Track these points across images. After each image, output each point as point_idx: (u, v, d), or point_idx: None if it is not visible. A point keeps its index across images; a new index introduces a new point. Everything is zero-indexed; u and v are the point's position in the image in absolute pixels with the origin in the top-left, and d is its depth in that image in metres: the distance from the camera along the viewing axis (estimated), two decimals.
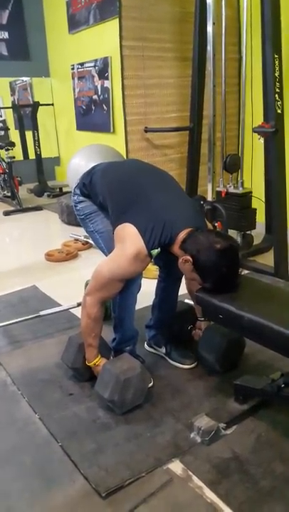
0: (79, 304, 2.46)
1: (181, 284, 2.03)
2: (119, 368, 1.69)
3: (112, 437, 1.60)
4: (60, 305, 2.61)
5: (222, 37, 3.07)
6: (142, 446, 1.55)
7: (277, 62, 2.69)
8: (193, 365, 1.99)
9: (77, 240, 3.89)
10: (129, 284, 1.76)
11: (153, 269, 2.90)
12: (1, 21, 6.41)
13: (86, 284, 2.48)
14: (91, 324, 1.75)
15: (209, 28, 2.83)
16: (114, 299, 1.89)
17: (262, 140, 2.80)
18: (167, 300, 2.05)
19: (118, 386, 1.64)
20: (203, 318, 2.01)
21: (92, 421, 1.69)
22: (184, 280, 1.99)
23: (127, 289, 1.78)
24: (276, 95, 2.71)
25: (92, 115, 6.01)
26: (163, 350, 2.06)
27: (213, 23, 2.90)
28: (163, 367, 2.01)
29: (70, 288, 2.89)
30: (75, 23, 5.92)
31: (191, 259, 1.57)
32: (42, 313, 2.39)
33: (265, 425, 1.61)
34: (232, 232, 3.31)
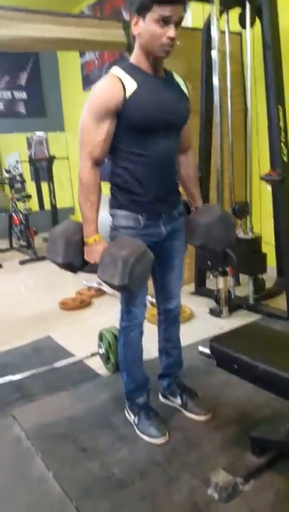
0: (92, 354, 2.46)
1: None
2: (125, 250, 1.53)
3: (127, 495, 1.55)
4: (73, 355, 2.60)
5: (228, 90, 3.21)
6: (158, 505, 1.50)
7: (281, 114, 2.79)
8: (209, 417, 1.93)
9: (90, 287, 3.92)
10: (131, 321, 1.79)
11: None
12: (20, 82, 6.84)
13: (100, 334, 2.49)
14: (84, 191, 1.62)
15: (215, 82, 2.97)
16: (119, 339, 1.88)
17: (269, 187, 2.86)
18: (170, 340, 2.01)
19: (126, 269, 1.49)
20: (194, 208, 1.92)
21: (106, 478, 1.65)
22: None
23: (129, 328, 1.81)
24: (282, 144, 2.79)
25: (104, 167, 6.20)
26: (178, 401, 2.01)
27: (219, 79, 3.04)
28: (177, 418, 1.96)
29: (84, 337, 2.89)
30: (88, 82, 6.27)
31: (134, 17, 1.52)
32: (56, 365, 2.39)
33: (283, 479, 1.55)
34: (243, 277, 3.31)
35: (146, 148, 1.63)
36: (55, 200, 6.23)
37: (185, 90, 1.74)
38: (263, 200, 3.16)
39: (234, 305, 3.16)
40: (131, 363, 1.89)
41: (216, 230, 1.80)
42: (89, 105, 1.59)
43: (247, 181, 3.20)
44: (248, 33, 2.98)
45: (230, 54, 3.21)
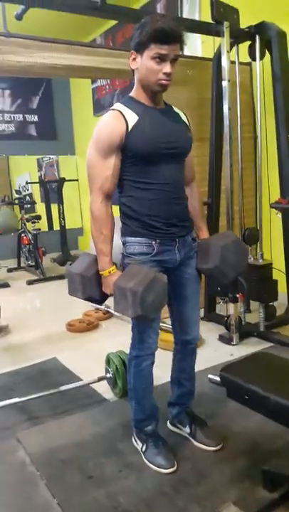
0: (100, 379, 2.44)
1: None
2: (132, 281, 1.54)
3: None
4: (80, 378, 2.58)
5: (237, 118, 3.27)
6: None
7: None
8: (219, 447, 1.89)
9: (98, 309, 3.91)
10: (144, 350, 1.77)
11: (171, 341, 2.88)
12: (32, 106, 6.99)
13: (107, 358, 2.48)
14: (97, 224, 1.65)
15: (225, 111, 3.03)
16: (129, 369, 1.85)
17: (279, 215, 2.88)
18: (185, 371, 1.98)
19: (136, 300, 1.50)
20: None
21: (113, 508, 1.61)
22: None
23: (141, 358, 1.78)
24: None
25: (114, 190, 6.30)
26: (187, 430, 1.97)
27: (229, 108, 3.10)
28: (186, 447, 1.92)
29: (91, 360, 2.87)
30: (99, 107, 6.41)
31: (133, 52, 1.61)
32: (62, 388, 2.37)
33: None
34: (254, 304, 3.30)
35: (152, 177, 1.67)
36: (64, 221, 6.29)
37: (185, 119, 1.79)
38: (273, 227, 3.18)
39: (244, 332, 3.14)
40: (141, 393, 1.86)
41: (230, 254, 1.78)
42: (94, 141, 1.65)
43: (257, 208, 3.23)
44: (257, 65, 3.05)
45: (240, 84, 3.28)
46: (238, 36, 2.98)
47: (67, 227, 6.36)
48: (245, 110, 3.62)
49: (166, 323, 3.21)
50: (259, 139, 3.18)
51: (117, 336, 3.35)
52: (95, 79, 6.33)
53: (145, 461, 1.83)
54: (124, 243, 1.76)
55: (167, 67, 1.57)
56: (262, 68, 3.04)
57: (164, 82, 1.60)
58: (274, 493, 1.57)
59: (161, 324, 3.35)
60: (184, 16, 4.42)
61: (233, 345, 3.02)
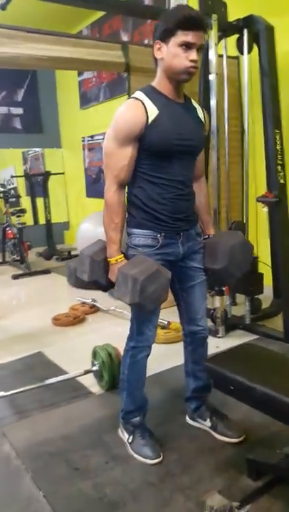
0: (86, 372, 2.43)
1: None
2: (135, 269, 1.57)
3: None
4: (66, 372, 2.57)
5: (225, 112, 3.27)
6: None
7: (278, 137, 2.85)
8: (241, 439, 1.88)
9: (84, 303, 3.90)
10: (141, 342, 1.77)
11: (161, 334, 2.89)
12: (17, 99, 6.90)
13: (93, 351, 2.47)
14: (109, 212, 1.66)
15: (213, 105, 3.02)
16: (124, 359, 1.86)
17: (266, 208, 2.89)
18: (199, 362, 1.93)
19: (136, 287, 1.52)
20: (207, 236, 1.93)
21: (98, 499, 1.61)
22: None
23: (138, 349, 1.79)
24: (278, 167, 2.84)
25: (100, 183, 6.27)
26: (208, 423, 1.96)
27: (216, 102, 3.11)
28: (172, 439, 1.94)
29: (77, 354, 2.86)
30: (86, 100, 6.36)
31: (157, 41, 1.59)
32: (47, 381, 2.35)
33: (280, 504, 1.52)
34: (240, 297, 3.32)
35: (164, 172, 1.67)
36: (50, 215, 6.24)
37: (201, 116, 1.78)
38: (259, 221, 3.20)
39: (230, 324, 3.16)
40: (134, 384, 1.86)
41: (238, 255, 1.80)
42: (112, 129, 1.63)
43: (243, 202, 3.24)
44: (245, 59, 3.05)
45: (228, 77, 3.28)
46: (225, 29, 2.98)
47: (53, 221, 6.32)
48: (233, 104, 3.62)
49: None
50: (246, 133, 3.19)
51: (104, 330, 3.35)
52: (82, 71, 6.28)
53: (131, 453, 1.84)
54: (129, 234, 1.76)
55: (194, 54, 1.56)
56: (250, 62, 3.04)
57: (191, 69, 1.59)
58: (258, 482, 1.59)
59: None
60: None
61: (219, 337, 3.04)
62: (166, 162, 1.66)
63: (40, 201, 6.34)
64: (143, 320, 1.77)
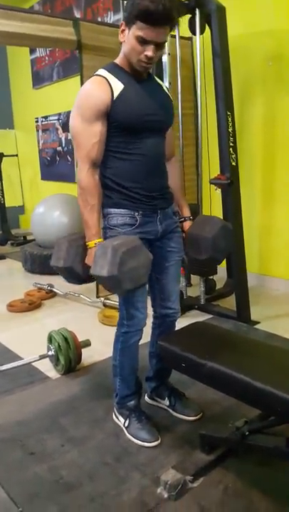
0: (41, 357, 2.41)
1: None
2: (116, 241, 1.50)
3: (75, 498, 1.53)
4: (21, 358, 2.53)
5: (178, 94, 3.26)
6: (107, 506, 1.49)
7: (230, 119, 2.87)
8: (198, 417, 1.92)
9: (40, 288, 3.84)
10: (133, 326, 1.76)
11: (116, 317, 2.89)
12: None
13: (49, 336, 2.45)
14: (83, 194, 1.60)
15: (166, 85, 3.00)
16: (115, 345, 1.84)
17: (219, 191, 2.93)
18: None
19: (116, 259, 1.42)
20: (183, 218, 1.90)
21: (54, 481, 1.62)
22: None
23: (130, 334, 1.78)
24: (230, 149, 2.87)
25: (56, 166, 6.14)
26: (166, 402, 1.99)
27: (170, 83, 3.09)
28: None
29: (33, 339, 2.83)
30: (39, 79, 6.15)
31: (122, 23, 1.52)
32: (2, 368, 2.32)
33: (232, 475, 1.59)
34: (195, 278, 3.37)
35: (133, 149, 1.63)
36: (3, 198, 6.06)
37: (167, 92, 1.76)
38: (213, 203, 3.24)
39: (186, 305, 3.21)
40: (127, 369, 1.85)
41: (220, 241, 1.78)
42: (77, 108, 1.59)
43: (198, 184, 3.26)
44: (198, 39, 3.04)
45: (181, 59, 3.27)
46: (178, 9, 2.94)
47: (7, 206, 6.13)
48: (187, 86, 3.62)
49: (112, 299, 3.23)
50: (199, 116, 3.20)
51: (60, 315, 3.32)
52: (34, 49, 6.06)
53: (128, 436, 1.83)
54: (105, 215, 1.71)
55: (149, 51, 1.50)
56: (202, 43, 3.03)
57: (143, 64, 1.54)
58: (210, 455, 1.63)
59: (106, 301, 3.37)
60: None
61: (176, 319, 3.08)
62: (135, 139, 1.62)
63: None
64: (132, 304, 1.74)
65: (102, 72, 1.60)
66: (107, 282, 1.49)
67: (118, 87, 1.57)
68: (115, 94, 1.56)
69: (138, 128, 1.62)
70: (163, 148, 1.75)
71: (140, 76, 1.63)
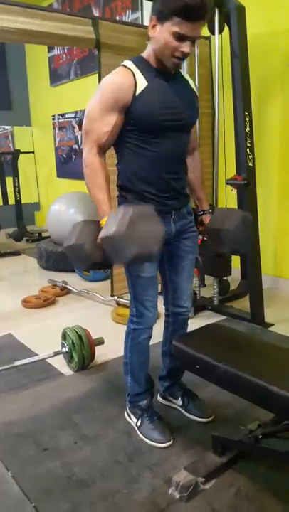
0: (55, 353, 2.43)
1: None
2: (126, 207, 1.42)
3: (87, 495, 1.55)
4: (36, 354, 2.56)
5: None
6: (119, 505, 1.50)
7: (247, 119, 2.85)
8: (211, 419, 1.92)
9: (55, 285, 3.87)
10: (142, 324, 1.76)
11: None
12: None
13: (63, 333, 2.47)
14: (92, 176, 1.59)
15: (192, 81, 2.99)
16: (126, 342, 1.85)
17: (235, 191, 2.92)
18: None
19: (125, 218, 1.35)
20: (202, 212, 1.90)
21: (67, 478, 1.63)
22: None
23: (139, 331, 1.78)
24: (247, 150, 2.85)
25: (72, 163, 6.16)
26: (179, 402, 1.99)
27: None
28: None
29: (47, 336, 2.85)
30: (56, 77, 6.18)
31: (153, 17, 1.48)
32: (17, 363, 2.34)
33: (244, 478, 1.58)
34: (209, 278, 3.36)
35: (155, 146, 1.60)
36: (19, 195, 6.10)
37: (194, 87, 1.72)
38: (228, 203, 3.23)
39: (199, 306, 3.21)
40: (137, 367, 1.86)
41: (242, 234, 1.76)
42: (99, 95, 1.56)
43: (213, 185, 3.25)
44: (216, 39, 3.02)
45: (199, 58, 3.25)
46: None
47: (23, 202, 6.18)
48: (204, 85, 3.61)
49: (125, 298, 3.24)
50: (217, 115, 3.19)
51: (74, 312, 3.35)
52: (52, 46, 6.08)
53: (140, 436, 1.83)
54: None
55: (186, 47, 1.47)
56: (221, 42, 3.02)
57: (176, 60, 1.51)
58: (223, 458, 1.63)
59: (119, 299, 3.37)
60: None
61: (189, 318, 3.08)
62: (153, 138, 1.60)
63: (9, 181, 6.18)
64: (141, 302, 1.75)
65: (128, 64, 1.57)
66: (113, 244, 1.39)
67: (142, 83, 1.54)
68: (137, 91, 1.53)
69: (154, 129, 1.59)
70: (186, 145, 1.72)
71: (168, 73, 1.60)
